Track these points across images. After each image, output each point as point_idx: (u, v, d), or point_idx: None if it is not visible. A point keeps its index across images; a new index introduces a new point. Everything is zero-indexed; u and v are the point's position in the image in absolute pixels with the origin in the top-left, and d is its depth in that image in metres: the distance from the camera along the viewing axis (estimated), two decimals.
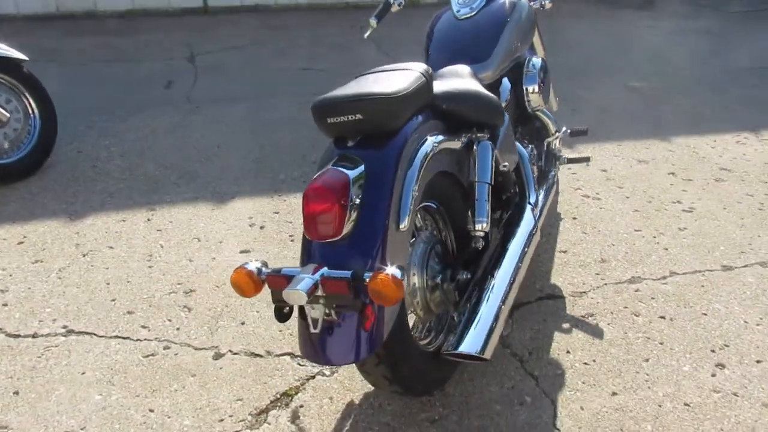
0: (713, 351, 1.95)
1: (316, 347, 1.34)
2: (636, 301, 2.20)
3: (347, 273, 1.28)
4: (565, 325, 2.08)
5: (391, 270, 1.23)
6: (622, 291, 2.25)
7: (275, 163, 3.35)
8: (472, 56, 2.12)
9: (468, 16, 2.23)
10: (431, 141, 1.55)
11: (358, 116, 1.44)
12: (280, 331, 2.07)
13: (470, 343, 1.44)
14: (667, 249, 2.51)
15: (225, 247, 2.56)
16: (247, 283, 1.35)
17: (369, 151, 1.45)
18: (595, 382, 1.83)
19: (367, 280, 1.24)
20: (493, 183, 1.75)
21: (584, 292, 2.25)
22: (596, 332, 2.04)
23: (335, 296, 1.27)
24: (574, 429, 1.67)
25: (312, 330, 1.31)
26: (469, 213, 1.75)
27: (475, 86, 1.81)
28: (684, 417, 1.70)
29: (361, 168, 1.41)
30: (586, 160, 2.48)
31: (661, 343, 1.99)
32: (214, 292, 2.27)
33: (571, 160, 2.49)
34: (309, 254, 1.39)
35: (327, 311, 1.30)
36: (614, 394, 1.79)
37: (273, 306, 1.37)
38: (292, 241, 2.60)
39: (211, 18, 7.05)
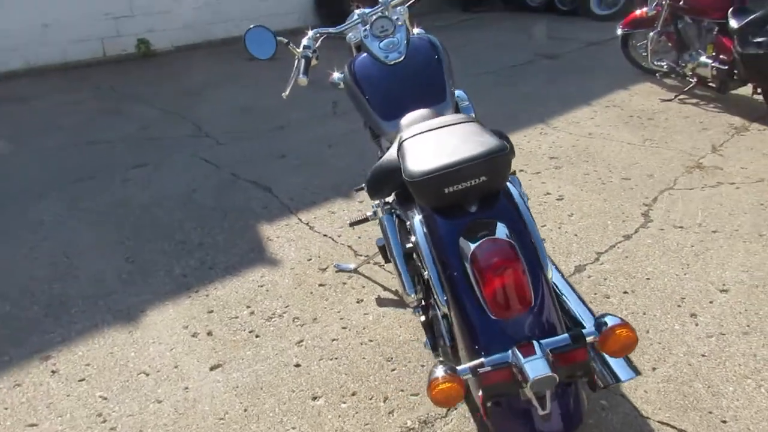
0: (679, 306, 2.35)
1: (549, 427, 1.26)
2: (596, 285, 2.50)
3: (566, 338, 1.24)
4: None
5: (613, 320, 1.24)
6: (581, 281, 2.53)
7: (154, 256, 2.85)
8: (428, 99, 2.11)
9: (399, 60, 2.19)
10: (511, 185, 1.56)
11: (483, 178, 1.38)
12: None
13: (625, 371, 1.50)
14: (576, 235, 2.89)
15: (187, 370, 2.12)
16: (457, 390, 1.22)
17: (497, 211, 1.42)
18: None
19: (596, 337, 1.22)
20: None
21: None
22: None
23: (571, 366, 1.22)
24: (657, 410, 1.86)
25: (542, 411, 1.23)
26: None
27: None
28: (711, 366, 2.03)
29: (505, 230, 1.36)
30: None
31: (644, 314, 2.31)
32: (224, 426, 1.88)
33: None
34: (492, 334, 1.30)
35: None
36: (654, 369, 2.03)
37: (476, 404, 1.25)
38: (257, 337, 2.28)
39: None
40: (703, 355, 2.08)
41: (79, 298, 2.55)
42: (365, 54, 2.22)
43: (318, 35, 2.24)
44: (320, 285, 2.59)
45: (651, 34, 4.79)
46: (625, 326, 1.22)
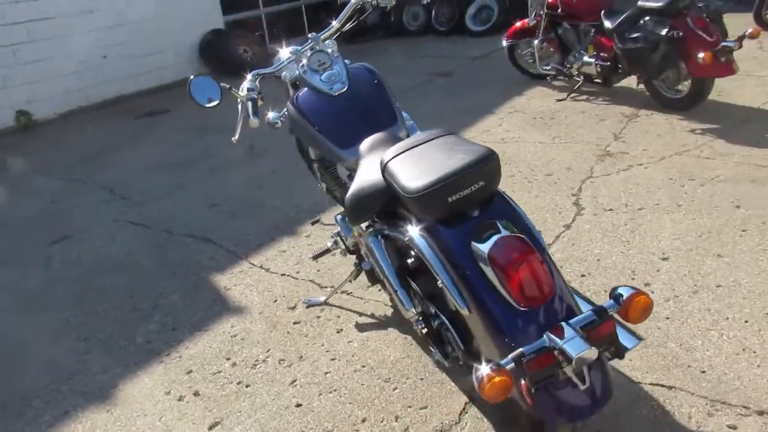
0: (632, 279, 2.56)
1: (588, 400, 1.34)
2: None
3: (590, 315, 1.34)
4: None
5: (628, 290, 1.35)
6: None
7: (109, 328, 2.68)
8: (380, 123, 2.16)
9: (343, 90, 2.23)
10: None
11: (481, 183, 1.48)
12: None
13: (629, 339, 1.63)
14: None
15: None
16: (507, 382, 1.28)
17: (495, 212, 1.52)
18: None
19: (617, 309, 1.33)
20: None
21: None
22: None
23: (605, 339, 1.32)
24: (645, 374, 2.02)
25: (583, 386, 1.32)
26: None
27: None
28: (676, 326, 2.23)
29: (509, 226, 1.46)
30: None
31: (605, 291, 2.49)
32: None
33: None
34: (519, 326, 1.38)
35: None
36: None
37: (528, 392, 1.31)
38: (248, 387, 2.21)
39: None
40: (667, 318, 2.29)
41: (37, 389, 2.35)
42: (306, 89, 2.25)
43: (257, 76, 2.25)
44: (295, 323, 2.56)
45: (535, 42, 5.19)
46: (641, 293, 1.35)
